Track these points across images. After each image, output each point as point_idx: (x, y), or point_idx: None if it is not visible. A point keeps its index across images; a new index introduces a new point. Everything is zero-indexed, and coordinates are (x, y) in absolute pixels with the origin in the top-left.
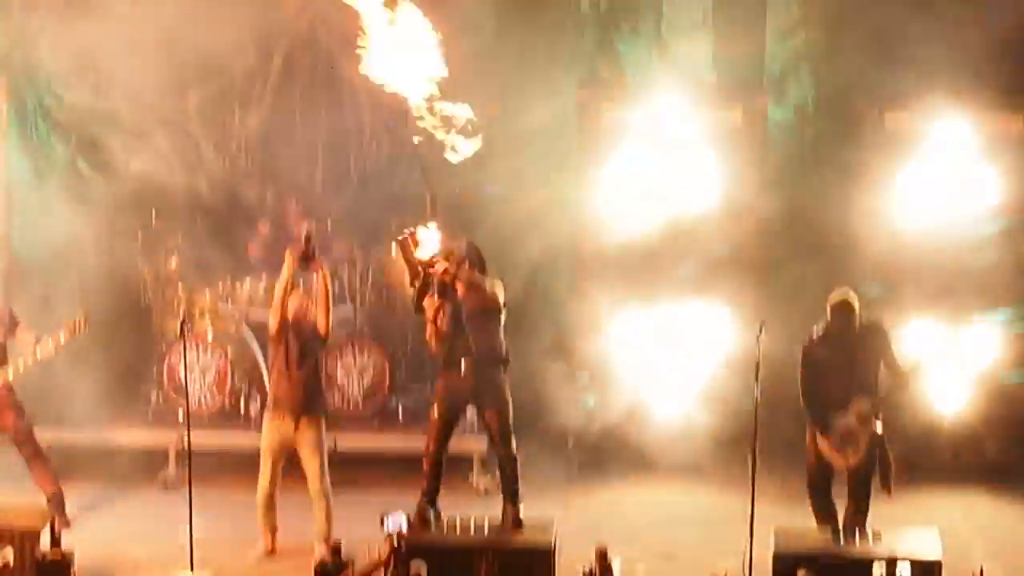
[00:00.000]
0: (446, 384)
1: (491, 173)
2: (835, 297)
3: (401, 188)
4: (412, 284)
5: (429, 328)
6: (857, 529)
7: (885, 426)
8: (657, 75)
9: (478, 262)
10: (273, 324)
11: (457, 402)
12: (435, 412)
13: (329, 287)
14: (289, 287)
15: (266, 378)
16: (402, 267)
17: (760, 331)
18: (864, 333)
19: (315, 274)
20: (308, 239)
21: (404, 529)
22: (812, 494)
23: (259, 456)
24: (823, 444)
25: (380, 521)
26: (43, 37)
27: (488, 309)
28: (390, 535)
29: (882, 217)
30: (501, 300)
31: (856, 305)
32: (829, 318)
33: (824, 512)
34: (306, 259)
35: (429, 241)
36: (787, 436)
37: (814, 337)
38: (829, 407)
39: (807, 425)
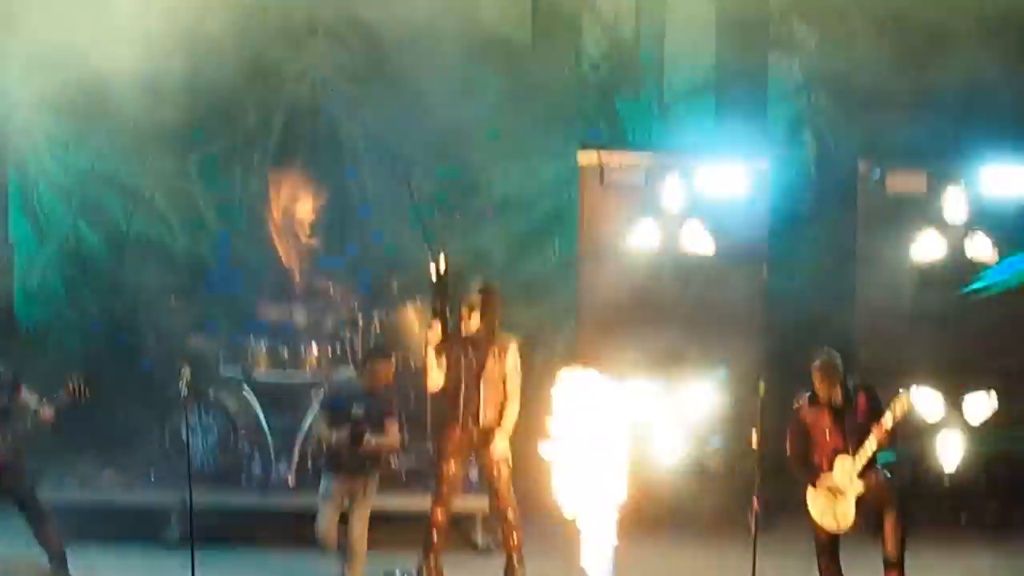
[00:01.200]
0: (449, 440)
1: (493, 235)
2: (819, 360)
3: (402, 249)
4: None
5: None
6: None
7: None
8: (658, 137)
9: (496, 304)
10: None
11: (460, 458)
12: (439, 469)
13: None
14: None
15: (268, 438)
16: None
17: (759, 387)
18: (851, 395)
19: None
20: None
21: None
22: (818, 554)
23: (261, 516)
24: (813, 508)
25: None
26: (44, 99)
27: (497, 367)
28: None
29: (884, 278)
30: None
31: (840, 367)
32: (814, 380)
33: (827, 571)
34: None
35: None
36: (791, 493)
37: (802, 401)
38: (816, 470)
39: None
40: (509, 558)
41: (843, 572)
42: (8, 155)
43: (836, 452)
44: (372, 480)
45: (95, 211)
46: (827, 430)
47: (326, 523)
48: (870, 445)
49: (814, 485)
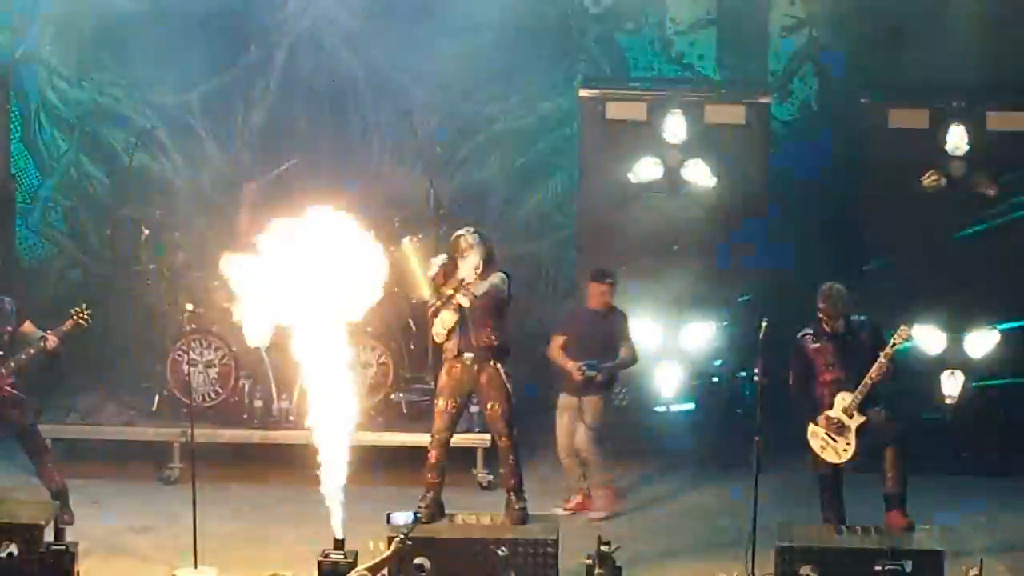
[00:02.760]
0: (449, 376)
1: (494, 170)
2: (825, 285)
3: (404, 185)
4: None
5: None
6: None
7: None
8: (660, 72)
9: (488, 253)
10: None
11: (460, 394)
12: (438, 405)
13: None
14: None
15: (270, 373)
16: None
17: (763, 326)
18: (854, 328)
19: None
20: None
21: (409, 524)
22: (820, 489)
23: (262, 451)
24: (813, 441)
25: (386, 518)
26: (46, 33)
27: (492, 304)
28: (395, 530)
29: (886, 215)
30: (506, 293)
31: (845, 295)
32: (819, 306)
33: (830, 507)
34: None
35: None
36: (792, 430)
37: (805, 333)
38: (818, 402)
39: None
40: (509, 494)
41: (845, 508)
42: (10, 88)
43: (838, 385)
44: (599, 398)
45: (97, 145)
46: (829, 363)
47: (562, 435)
48: (871, 378)
49: (815, 418)
